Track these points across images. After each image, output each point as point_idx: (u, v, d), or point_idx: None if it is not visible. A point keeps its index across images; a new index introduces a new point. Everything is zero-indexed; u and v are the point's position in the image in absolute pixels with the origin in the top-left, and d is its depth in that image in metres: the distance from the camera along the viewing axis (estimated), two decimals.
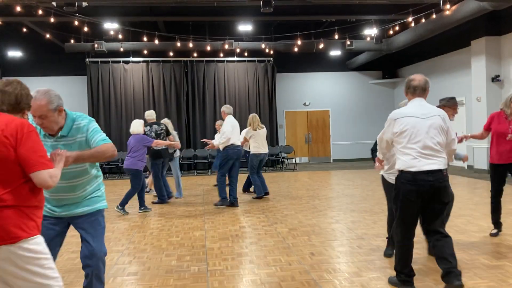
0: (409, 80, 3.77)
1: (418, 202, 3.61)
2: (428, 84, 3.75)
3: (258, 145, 9.05)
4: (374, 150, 5.29)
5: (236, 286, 4.10)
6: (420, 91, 3.71)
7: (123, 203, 7.88)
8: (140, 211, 8.04)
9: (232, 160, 8.19)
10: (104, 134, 3.14)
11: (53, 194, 3.07)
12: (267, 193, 9.32)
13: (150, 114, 8.96)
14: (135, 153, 7.78)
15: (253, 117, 9.19)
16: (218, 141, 8.31)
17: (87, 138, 3.06)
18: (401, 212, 3.70)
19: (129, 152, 7.87)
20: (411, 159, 3.57)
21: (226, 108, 8.57)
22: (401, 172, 3.66)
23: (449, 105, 4.86)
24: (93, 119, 3.20)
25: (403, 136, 3.62)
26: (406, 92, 3.79)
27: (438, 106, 4.61)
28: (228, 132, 8.06)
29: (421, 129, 3.59)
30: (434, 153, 3.58)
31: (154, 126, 8.62)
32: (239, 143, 8.39)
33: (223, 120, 8.59)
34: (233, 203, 8.26)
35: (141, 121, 8.22)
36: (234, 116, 16.10)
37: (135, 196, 8.03)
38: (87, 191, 3.15)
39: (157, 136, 8.44)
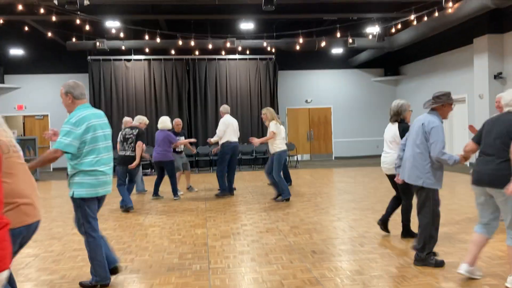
0: None
1: None
2: None
3: (284, 140, 8.58)
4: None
5: (238, 284, 4.11)
6: None
7: (175, 191, 8.97)
8: (152, 197, 9.16)
9: (228, 155, 9.00)
10: (63, 139, 3.71)
11: None
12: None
13: (137, 119, 8.65)
14: (163, 147, 8.65)
15: (273, 111, 8.71)
16: (214, 138, 9.19)
17: None
18: None
19: (157, 146, 8.73)
20: None
21: (222, 108, 9.42)
22: None
23: (450, 101, 4.40)
24: (73, 121, 3.76)
25: None
26: None
27: (435, 105, 4.37)
28: (220, 131, 8.97)
29: None
30: None
31: (126, 130, 8.24)
32: (234, 139, 9.03)
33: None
34: (230, 190, 9.25)
35: (168, 118, 9.15)
36: (236, 114, 16.30)
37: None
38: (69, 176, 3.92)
39: (124, 140, 8.06)
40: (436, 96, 4.39)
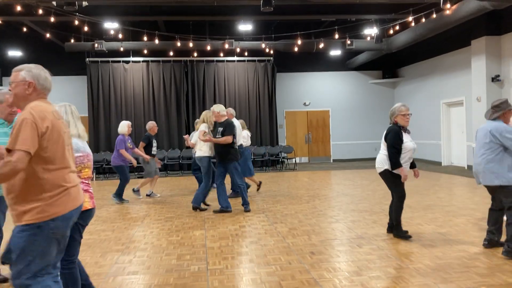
0: None
1: None
2: None
3: (212, 145, 7.71)
4: None
5: (236, 285, 4.10)
6: None
7: (117, 194, 8.80)
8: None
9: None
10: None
11: None
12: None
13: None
14: (115, 151, 8.65)
15: (205, 115, 7.79)
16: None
17: None
18: None
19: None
20: None
21: (232, 110, 9.21)
22: None
23: (510, 108, 4.73)
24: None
25: None
26: None
27: (497, 114, 4.67)
28: (239, 135, 8.88)
29: None
30: None
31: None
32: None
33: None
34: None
35: (127, 123, 8.86)
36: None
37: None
38: None
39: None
40: (495, 105, 4.69)
